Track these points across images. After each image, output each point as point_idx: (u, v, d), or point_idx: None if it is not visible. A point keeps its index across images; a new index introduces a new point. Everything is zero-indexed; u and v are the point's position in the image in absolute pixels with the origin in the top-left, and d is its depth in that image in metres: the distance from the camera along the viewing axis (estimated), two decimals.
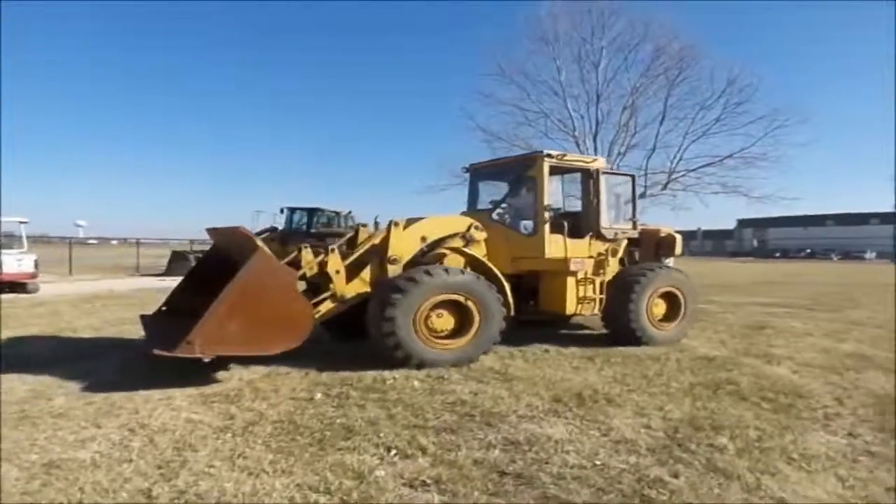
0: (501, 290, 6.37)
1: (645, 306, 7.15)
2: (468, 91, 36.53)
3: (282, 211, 21.74)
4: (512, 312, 6.51)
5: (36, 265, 13.59)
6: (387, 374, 5.45)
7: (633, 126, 22.90)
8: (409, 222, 6.57)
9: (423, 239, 6.53)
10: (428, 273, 5.83)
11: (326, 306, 5.97)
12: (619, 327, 7.19)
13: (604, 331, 7.58)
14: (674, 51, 22.06)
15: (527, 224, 7.28)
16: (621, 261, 7.76)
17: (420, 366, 5.63)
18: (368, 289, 6.12)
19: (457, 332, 6.01)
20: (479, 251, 6.90)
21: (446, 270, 6.03)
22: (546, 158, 7.14)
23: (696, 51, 22.35)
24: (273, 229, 22.35)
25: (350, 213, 22.87)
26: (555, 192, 7.80)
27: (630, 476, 3.15)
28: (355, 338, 6.40)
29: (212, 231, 6.79)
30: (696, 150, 23.16)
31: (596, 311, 7.29)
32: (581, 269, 7.05)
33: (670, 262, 8.40)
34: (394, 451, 3.49)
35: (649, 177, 22.78)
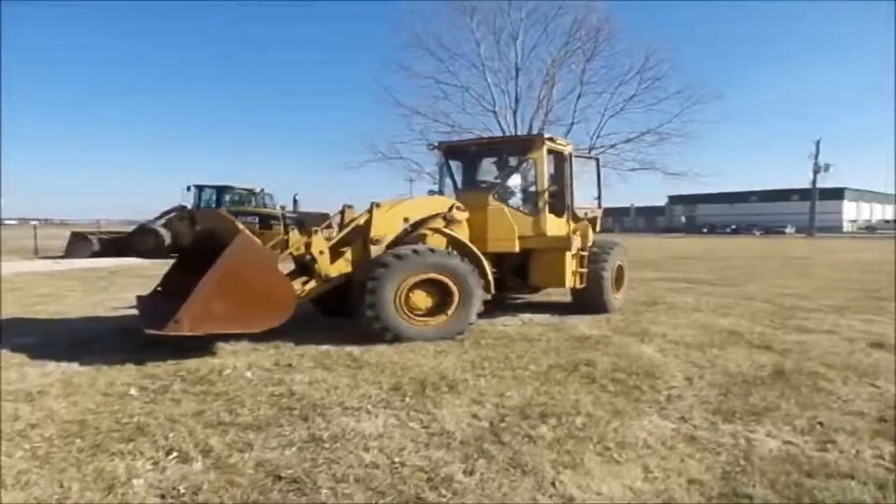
0: (482, 270, 6.60)
1: (611, 279, 8.05)
2: (385, 64, 36.03)
3: (188, 189, 20.69)
4: (492, 291, 6.90)
5: None
6: (230, 362, 5.05)
7: (552, 101, 22.82)
8: (390, 205, 6.81)
9: (406, 220, 6.72)
10: (415, 252, 6.06)
11: (311, 285, 6.15)
12: (591, 298, 7.95)
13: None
14: (591, 24, 22.04)
15: (528, 203, 7.79)
16: None
17: (396, 340, 5.83)
18: (351, 268, 6.30)
19: (436, 310, 6.20)
20: (460, 231, 7.17)
21: (432, 250, 6.27)
22: (547, 141, 7.68)
23: (614, 24, 22.43)
24: (182, 208, 21.32)
25: (263, 190, 22.05)
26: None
27: (421, 475, 2.86)
28: (341, 315, 6.58)
29: (199, 214, 6.44)
30: (615, 126, 23.40)
31: (581, 283, 7.84)
32: (577, 245, 7.63)
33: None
34: (174, 455, 3.09)
35: None
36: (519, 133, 23.50)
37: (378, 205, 6.51)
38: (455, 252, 6.49)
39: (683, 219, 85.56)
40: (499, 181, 8.19)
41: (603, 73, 23.31)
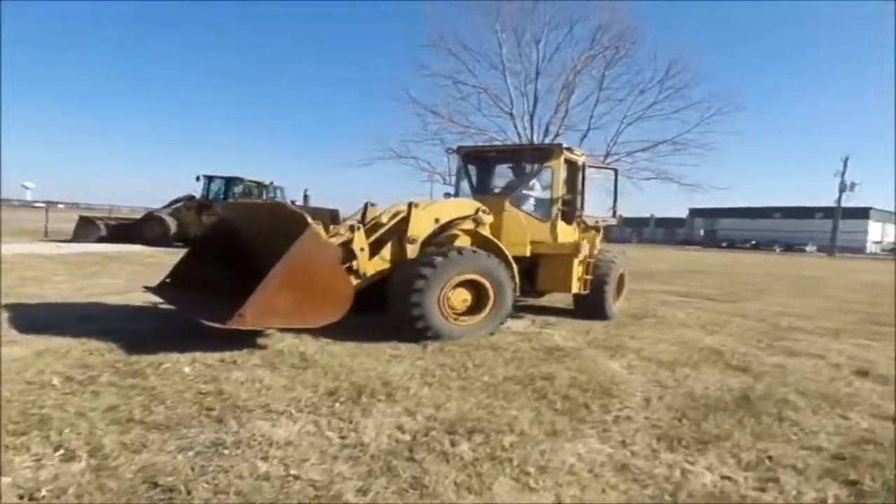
0: (512, 273, 6.73)
1: (614, 286, 8.31)
2: (403, 63, 35.60)
3: (198, 178, 20.72)
4: (518, 292, 6.98)
5: None
6: (174, 356, 4.87)
7: (568, 106, 22.46)
8: (425, 205, 6.85)
9: (437, 220, 6.78)
10: (459, 252, 6.18)
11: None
12: (593, 304, 8.18)
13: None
14: (614, 30, 21.66)
15: (542, 210, 7.96)
16: None
17: (436, 339, 5.89)
18: (388, 266, 6.33)
19: (470, 311, 6.33)
20: (487, 233, 7.23)
21: (474, 251, 6.38)
22: (564, 151, 7.94)
23: (637, 31, 22.04)
24: (190, 197, 21.36)
25: (272, 183, 21.99)
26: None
27: (309, 492, 2.64)
28: (370, 312, 6.32)
29: (224, 204, 7.34)
30: (631, 135, 22.99)
31: (585, 289, 7.98)
32: (585, 252, 7.79)
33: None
34: (60, 452, 2.91)
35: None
36: (535, 137, 23.23)
37: (416, 205, 6.62)
38: (492, 254, 6.59)
39: (702, 232, 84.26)
40: (514, 187, 8.42)
41: (623, 80, 22.94)
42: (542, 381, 4.72)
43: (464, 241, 6.95)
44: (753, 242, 70.74)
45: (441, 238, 6.86)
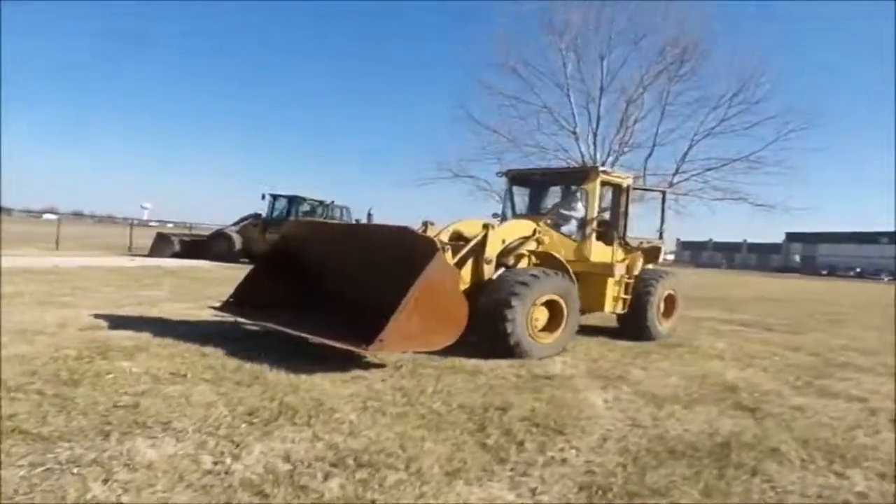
0: (577, 291, 6.96)
1: (657, 306, 8.24)
2: (463, 83, 35.37)
3: (263, 197, 21.43)
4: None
5: None
6: (125, 365, 4.82)
7: (629, 123, 21.46)
8: (494, 227, 6.98)
9: (503, 241, 6.91)
10: (545, 273, 6.49)
11: None
12: (635, 324, 8.17)
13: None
14: (681, 45, 20.57)
15: (573, 230, 8.07)
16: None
17: (522, 356, 6.07)
18: (468, 285, 6.37)
19: (547, 328, 6.52)
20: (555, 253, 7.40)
21: (555, 273, 6.67)
22: (601, 173, 8.07)
23: (706, 44, 20.82)
24: (257, 215, 22.14)
25: (333, 202, 22.41)
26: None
27: None
28: None
29: (292, 223, 7.93)
30: (701, 152, 21.64)
31: (623, 309, 8.09)
32: (619, 272, 7.89)
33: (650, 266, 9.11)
34: None
35: (648, 179, 21.36)
36: (598, 156, 22.41)
37: (492, 227, 6.77)
38: (564, 274, 6.85)
39: (797, 258, 78.26)
40: (552, 207, 8.56)
41: (690, 95, 21.69)
42: (494, 412, 4.25)
43: (529, 261, 7.19)
44: (857, 270, 64.75)
45: (510, 258, 6.97)
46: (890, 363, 7.63)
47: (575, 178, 8.69)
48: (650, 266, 8.97)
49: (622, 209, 8.51)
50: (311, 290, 6.63)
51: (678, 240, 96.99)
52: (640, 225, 19.26)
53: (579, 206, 8.22)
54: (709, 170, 21.14)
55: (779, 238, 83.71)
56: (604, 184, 8.24)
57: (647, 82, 21.36)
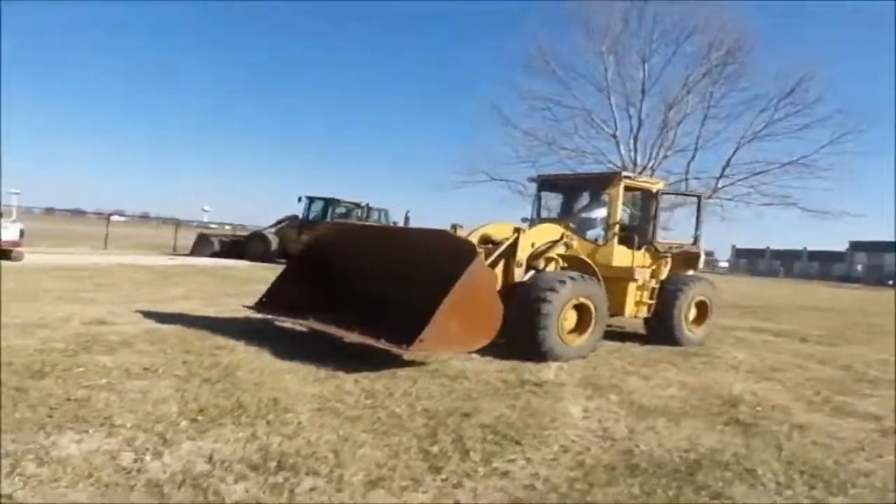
0: (605, 293, 7.01)
1: (683, 312, 8.07)
2: (499, 86, 35.13)
3: (299, 200, 21.70)
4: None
5: (21, 234, 14.17)
6: (103, 360, 4.84)
7: (670, 126, 20.71)
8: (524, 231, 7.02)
9: (533, 245, 6.94)
10: (572, 278, 6.48)
11: None
12: (661, 329, 8.12)
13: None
14: (724, 46, 19.73)
15: (599, 235, 8.12)
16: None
17: (555, 359, 6.15)
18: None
19: (575, 330, 6.58)
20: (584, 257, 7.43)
21: (583, 277, 6.67)
22: (624, 179, 8.01)
23: (751, 43, 19.91)
24: (294, 217, 22.44)
25: (368, 204, 22.49)
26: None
27: None
28: None
29: (321, 225, 7.84)
30: (748, 156, 20.69)
31: (646, 314, 8.11)
32: (641, 277, 7.87)
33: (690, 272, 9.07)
34: None
35: (691, 183, 20.57)
36: (639, 160, 21.79)
37: (523, 231, 6.83)
38: (592, 278, 6.86)
39: (859, 267, 74.08)
40: (576, 212, 8.66)
41: (736, 97, 20.79)
42: (456, 418, 4.04)
43: (556, 265, 7.13)
44: None
45: (539, 262, 6.96)
46: None
47: (599, 183, 8.65)
48: (691, 272, 8.98)
49: (651, 214, 8.44)
50: (345, 291, 6.70)
51: (733, 247, 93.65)
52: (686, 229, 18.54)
53: (603, 210, 8.20)
54: (756, 174, 20.21)
55: (842, 246, 79.66)
56: (629, 189, 8.24)
57: (691, 85, 20.57)
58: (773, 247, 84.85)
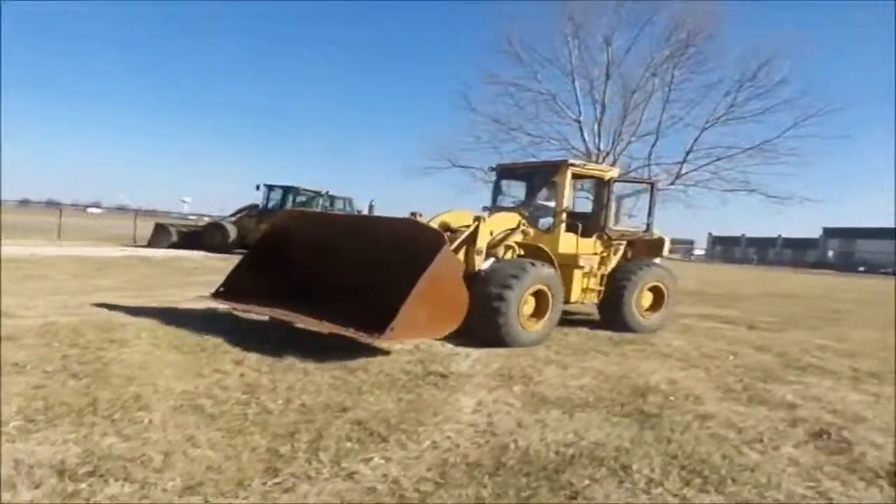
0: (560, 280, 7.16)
1: (635, 298, 8.19)
2: (462, 71, 34.47)
3: (258, 188, 21.23)
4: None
5: None
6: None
7: (631, 110, 20.55)
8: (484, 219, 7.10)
9: (491, 233, 7.06)
10: (533, 265, 6.65)
11: None
12: (611, 315, 8.29)
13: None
14: (687, 26, 19.57)
15: (545, 222, 8.20)
16: (619, 257, 8.70)
17: (513, 345, 6.31)
18: None
19: (533, 315, 6.75)
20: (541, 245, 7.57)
21: (542, 264, 6.84)
22: (570, 167, 8.06)
23: (713, 24, 19.76)
24: (254, 206, 21.97)
25: (328, 192, 22.11)
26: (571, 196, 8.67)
27: None
28: None
29: (281, 213, 7.83)
30: (711, 142, 20.62)
31: (596, 300, 8.29)
32: (588, 264, 7.99)
33: (658, 260, 9.24)
34: None
35: (653, 169, 20.46)
36: (602, 145, 21.62)
37: (483, 219, 6.88)
38: (548, 265, 7.01)
39: (830, 253, 75.12)
40: (527, 200, 8.78)
41: (698, 80, 20.66)
42: (327, 415, 3.77)
43: (514, 252, 7.32)
44: None
45: (496, 250, 7.08)
46: (859, 367, 6.87)
47: (548, 171, 8.64)
48: (657, 259, 9.12)
49: (604, 202, 8.44)
50: (306, 280, 6.54)
51: (710, 234, 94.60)
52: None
53: (549, 198, 8.35)
54: (718, 159, 20.14)
55: (816, 233, 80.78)
56: (578, 176, 8.37)
57: (654, 67, 20.41)
58: (749, 234, 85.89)
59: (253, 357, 5.07)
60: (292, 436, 3.34)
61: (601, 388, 5.02)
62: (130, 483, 2.62)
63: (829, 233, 77.59)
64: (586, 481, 2.99)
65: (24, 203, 55.30)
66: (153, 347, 5.25)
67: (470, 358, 5.78)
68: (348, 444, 3.28)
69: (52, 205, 37.97)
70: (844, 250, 75.51)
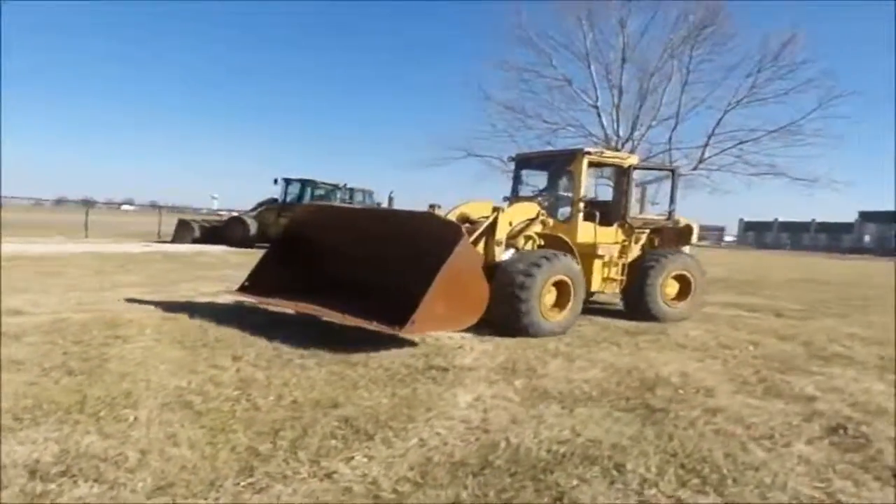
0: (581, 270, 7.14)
1: (659, 287, 8.03)
2: (478, 59, 33.82)
3: (275, 182, 21.31)
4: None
5: None
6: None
7: (662, 94, 19.99)
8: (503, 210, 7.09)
9: (511, 224, 7.03)
10: (555, 255, 6.66)
11: None
12: (635, 304, 8.16)
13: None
14: (702, 5, 18.96)
15: (564, 211, 8.20)
16: (644, 246, 8.59)
17: (535, 335, 6.30)
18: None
19: (556, 306, 6.74)
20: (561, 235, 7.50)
21: (564, 255, 6.85)
22: (586, 155, 7.93)
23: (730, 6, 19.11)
24: (273, 200, 22.08)
25: (346, 185, 22.07)
26: (590, 184, 8.67)
27: None
28: None
29: (301, 208, 7.88)
30: (733, 125, 20.01)
31: (617, 290, 8.19)
32: (608, 253, 7.94)
33: (686, 249, 9.10)
34: None
35: (674, 154, 19.95)
36: (621, 131, 21.19)
37: (503, 210, 6.91)
38: (570, 255, 7.01)
39: (867, 238, 72.69)
40: (545, 190, 8.78)
41: (718, 61, 20.00)
42: (316, 411, 3.68)
43: (534, 243, 7.28)
44: None
45: (517, 240, 7.07)
46: (892, 354, 6.55)
47: (565, 160, 8.51)
48: (686, 248, 8.99)
49: (623, 189, 8.27)
50: (328, 273, 6.66)
51: (741, 220, 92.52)
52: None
53: (567, 187, 8.34)
54: (742, 143, 19.52)
55: (852, 217, 78.34)
56: (595, 165, 8.29)
57: (672, 48, 19.84)
58: (782, 219, 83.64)
59: (253, 352, 5.04)
60: (276, 433, 3.26)
61: (608, 381, 4.84)
62: (100, 484, 2.56)
63: (866, 216, 75.09)
64: (575, 481, 2.85)
65: (61, 201, 57.13)
66: (155, 343, 5.26)
67: (475, 351, 5.66)
68: (332, 442, 3.18)
69: (88, 203, 38.75)
70: (882, 235, 72.93)
